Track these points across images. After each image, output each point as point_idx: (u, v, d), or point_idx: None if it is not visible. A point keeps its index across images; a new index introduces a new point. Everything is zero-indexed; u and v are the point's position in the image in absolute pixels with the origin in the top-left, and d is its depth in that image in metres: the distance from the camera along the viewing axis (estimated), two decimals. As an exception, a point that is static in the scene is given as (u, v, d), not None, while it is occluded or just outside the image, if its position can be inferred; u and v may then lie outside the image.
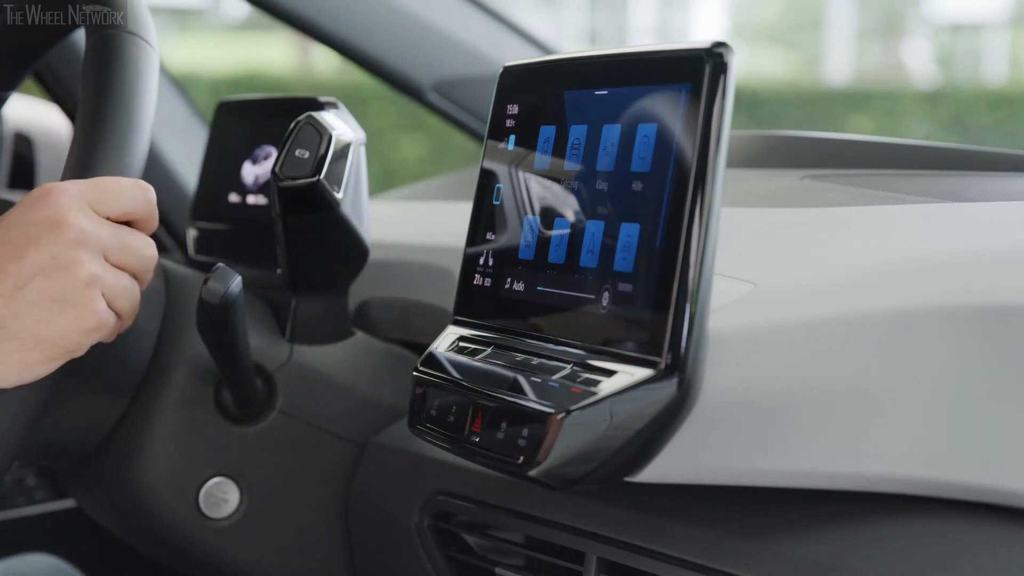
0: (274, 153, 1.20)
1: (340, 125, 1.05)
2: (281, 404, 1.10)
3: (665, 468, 0.76)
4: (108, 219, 0.83)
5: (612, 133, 0.79)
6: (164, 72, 1.58)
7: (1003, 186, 1.10)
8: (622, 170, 0.77)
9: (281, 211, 1.05)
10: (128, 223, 0.86)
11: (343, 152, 1.05)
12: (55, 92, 1.54)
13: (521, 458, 0.75)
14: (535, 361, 0.79)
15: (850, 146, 1.31)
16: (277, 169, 1.03)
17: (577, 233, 0.79)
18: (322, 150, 1.03)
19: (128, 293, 0.84)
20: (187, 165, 1.57)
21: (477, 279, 0.87)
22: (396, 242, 1.27)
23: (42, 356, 0.81)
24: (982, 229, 0.91)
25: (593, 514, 0.89)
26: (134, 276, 0.85)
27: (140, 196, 0.85)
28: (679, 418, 0.73)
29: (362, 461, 1.11)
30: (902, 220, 0.95)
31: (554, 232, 0.81)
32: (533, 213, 0.83)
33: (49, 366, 0.82)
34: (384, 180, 6.17)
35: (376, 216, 1.17)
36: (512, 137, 0.87)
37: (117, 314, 0.84)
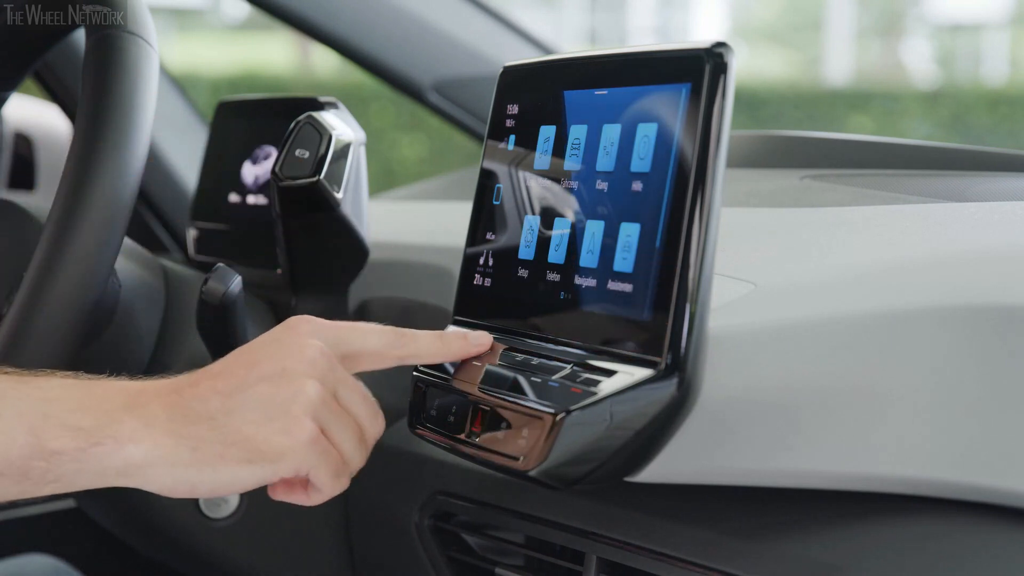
0: (274, 153, 1.20)
1: (340, 125, 1.05)
2: (281, 404, 1.09)
3: (665, 468, 0.76)
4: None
5: (612, 133, 0.78)
6: (164, 72, 1.58)
7: (1003, 186, 1.10)
8: (622, 170, 0.77)
9: (281, 211, 1.05)
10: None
11: (343, 152, 1.05)
12: (55, 92, 1.54)
13: (521, 458, 0.75)
14: (535, 361, 0.79)
15: (850, 146, 1.31)
16: (277, 169, 1.03)
17: (577, 233, 0.79)
18: (322, 150, 1.03)
19: (351, 436, 0.79)
20: (187, 165, 1.57)
21: (477, 279, 0.87)
22: (396, 242, 1.27)
23: (239, 454, 0.75)
24: (982, 229, 0.91)
25: (593, 514, 0.89)
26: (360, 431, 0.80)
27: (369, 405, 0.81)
28: (679, 418, 0.73)
29: (362, 461, 1.11)
30: (902, 220, 0.95)
31: (554, 232, 0.81)
32: (533, 213, 0.83)
33: (242, 469, 0.75)
34: (384, 180, 6.16)
35: (376, 216, 1.17)
36: (512, 137, 0.87)
37: (341, 455, 0.79)
